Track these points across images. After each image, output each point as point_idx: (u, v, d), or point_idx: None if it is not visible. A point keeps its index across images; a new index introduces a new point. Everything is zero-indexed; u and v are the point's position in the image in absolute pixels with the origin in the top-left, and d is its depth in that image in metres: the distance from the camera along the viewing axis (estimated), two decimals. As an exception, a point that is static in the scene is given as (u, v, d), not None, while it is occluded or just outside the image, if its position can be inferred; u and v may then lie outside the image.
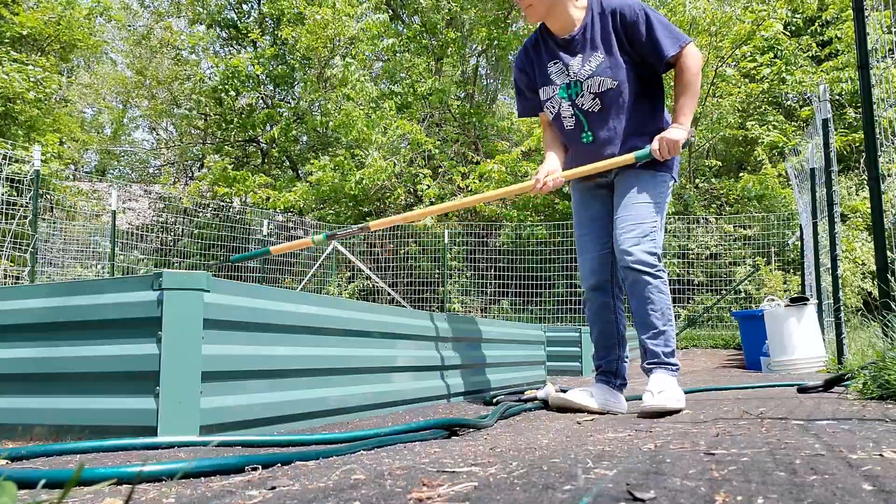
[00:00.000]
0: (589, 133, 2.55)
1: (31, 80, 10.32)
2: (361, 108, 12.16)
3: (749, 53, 11.74)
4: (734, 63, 11.99)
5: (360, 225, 2.93)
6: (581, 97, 2.52)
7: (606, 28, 2.48)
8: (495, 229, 12.08)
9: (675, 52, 2.42)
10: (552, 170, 2.56)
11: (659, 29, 2.41)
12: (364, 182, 11.58)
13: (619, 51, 2.47)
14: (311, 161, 12.69)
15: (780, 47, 11.87)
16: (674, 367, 2.44)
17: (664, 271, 2.46)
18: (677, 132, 2.41)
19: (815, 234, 5.93)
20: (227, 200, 11.53)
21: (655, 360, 2.42)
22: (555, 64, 2.57)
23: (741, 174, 12.15)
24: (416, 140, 12.18)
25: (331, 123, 12.69)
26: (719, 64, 11.70)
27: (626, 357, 2.64)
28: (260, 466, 1.30)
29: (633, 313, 2.49)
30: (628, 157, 2.48)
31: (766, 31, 11.18)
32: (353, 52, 12.62)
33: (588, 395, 2.50)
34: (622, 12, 2.45)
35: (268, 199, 12.15)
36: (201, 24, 16.25)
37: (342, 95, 12.73)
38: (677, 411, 2.26)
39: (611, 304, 2.62)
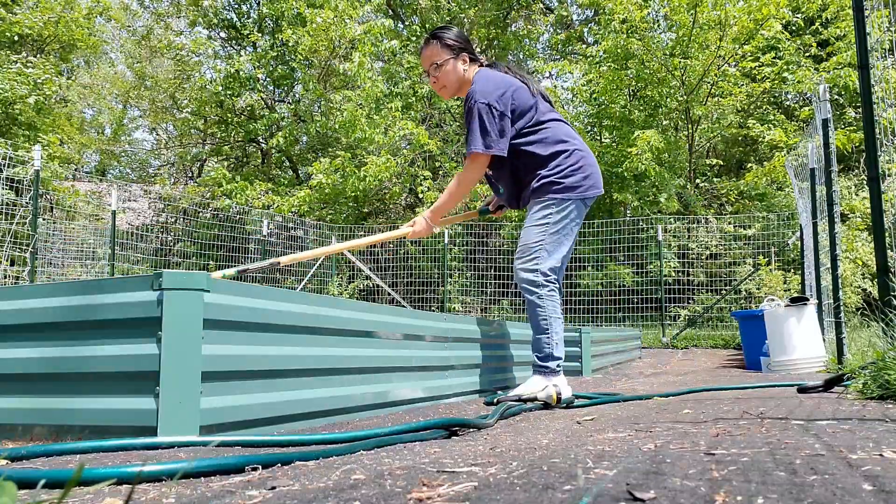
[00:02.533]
0: (500, 187, 3.06)
1: (31, 81, 10.32)
2: (362, 108, 12.16)
3: (750, 53, 11.73)
4: (735, 63, 11.99)
5: (270, 260, 2.98)
6: None
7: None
8: (495, 229, 12.09)
9: (468, 151, 2.83)
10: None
11: (474, 126, 2.77)
12: (367, 180, 11.56)
13: None
14: (313, 164, 12.68)
15: (780, 47, 11.87)
16: (545, 370, 2.84)
17: (545, 286, 2.83)
18: (418, 224, 3.03)
19: (815, 234, 5.93)
20: (227, 210, 11.52)
21: (533, 364, 2.89)
22: None
23: (749, 165, 12.13)
24: (419, 141, 12.18)
25: (332, 124, 12.68)
26: (721, 63, 11.70)
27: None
28: (260, 466, 1.30)
29: None
30: (404, 231, 3.11)
31: (767, 31, 11.17)
32: (353, 53, 12.63)
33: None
34: (466, 98, 2.84)
35: (268, 206, 12.14)
36: (200, 24, 16.25)
37: (344, 97, 12.73)
38: (531, 399, 2.70)
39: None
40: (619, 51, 11.80)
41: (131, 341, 1.78)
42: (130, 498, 0.94)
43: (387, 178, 11.85)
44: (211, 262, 10.75)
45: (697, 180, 12.82)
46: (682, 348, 9.47)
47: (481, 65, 2.99)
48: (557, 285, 2.93)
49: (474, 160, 2.82)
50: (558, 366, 2.87)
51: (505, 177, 2.98)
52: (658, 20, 13.30)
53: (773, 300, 5.41)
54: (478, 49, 15.76)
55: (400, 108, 12.42)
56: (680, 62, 11.53)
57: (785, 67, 11.88)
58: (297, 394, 2.11)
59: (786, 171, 10.97)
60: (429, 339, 2.92)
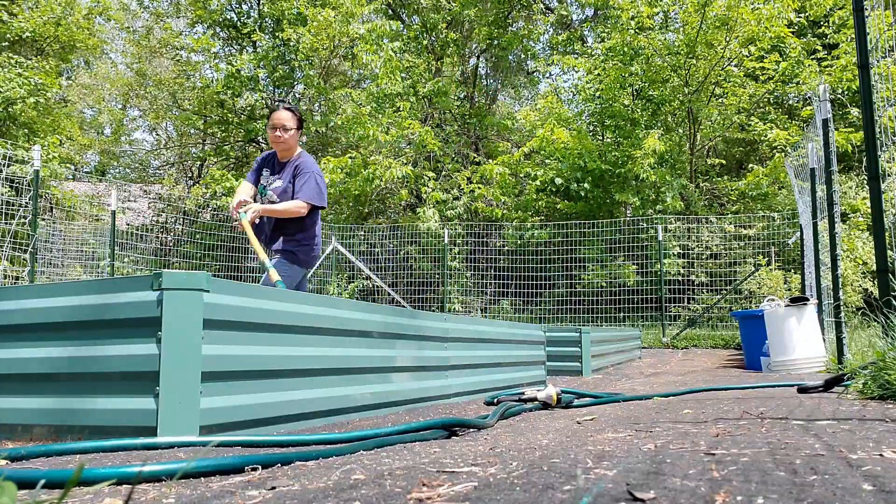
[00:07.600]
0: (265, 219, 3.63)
1: (31, 82, 10.32)
2: (363, 107, 12.14)
3: (752, 53, 11.71)
4: (739, 63, 11.97)
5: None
6: (265, 197, 3.62)
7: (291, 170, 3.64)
8: (496, 230, 12.09)
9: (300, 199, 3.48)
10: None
11: (308, 184, 3.47)
12: (374, 181, 11.51)
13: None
14: (322, 160, 12.65)
15: (784, 46, 11.85)
16: None
17: None
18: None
19: (816, 233, 5.93)
20: (227, 210, 11.51)
21: None
22: (268, 172, 3.71)
23: (750, 165, 12.11)
24: (423, 141, 12.15)
25: (333, 123, 12.66)
26: (725, 64, 11.69)
27: None
28: (260, 466, 1.30)
29: None
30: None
31: (772, 33, 11.15)
32: (355, 50, 12.59)
33: None
34: (298, 164, 3.59)
35: None
36: (201, 24, 16.23)
37: (346, 95, 12.70)
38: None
39: None
40: (625, 48, 11.79)
41: (131, 341, 1.78)
42: (130, 498, 0.94)
43: (396, 176, 11.80)
44: (211, 262, 10.74)
45: (698, 180, 12.82)
46: (682, 348, 9.47)
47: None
48: None
49: (302, 204, 3.50)
50: None
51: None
52: (664, 23, 13.29)
53: (773, 300, 5.41)
54: (478, 49, 15.75)
55: (407, 108, 12.40)
56: (685, 61, 11.53)
57: (788, 68, 11.85)
58: (297, 394, 2.11)
59: (786, 171, 10.96)
60: (429, 339, 2.92)
